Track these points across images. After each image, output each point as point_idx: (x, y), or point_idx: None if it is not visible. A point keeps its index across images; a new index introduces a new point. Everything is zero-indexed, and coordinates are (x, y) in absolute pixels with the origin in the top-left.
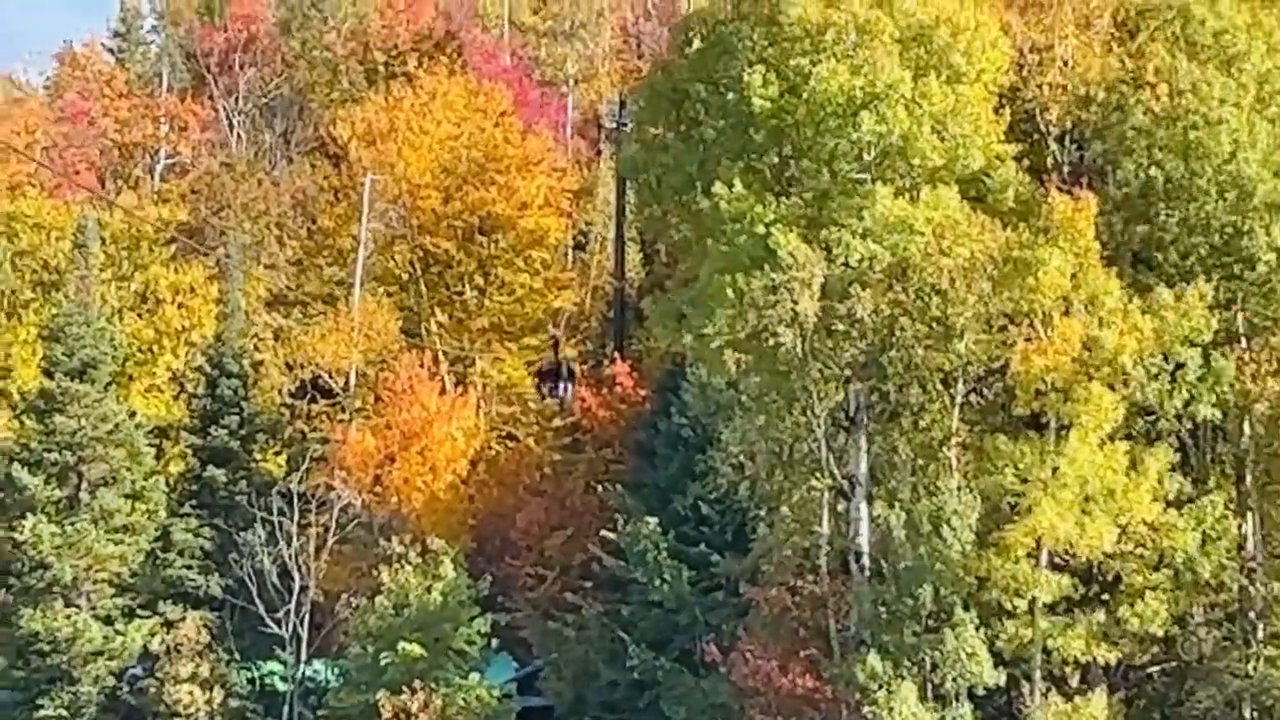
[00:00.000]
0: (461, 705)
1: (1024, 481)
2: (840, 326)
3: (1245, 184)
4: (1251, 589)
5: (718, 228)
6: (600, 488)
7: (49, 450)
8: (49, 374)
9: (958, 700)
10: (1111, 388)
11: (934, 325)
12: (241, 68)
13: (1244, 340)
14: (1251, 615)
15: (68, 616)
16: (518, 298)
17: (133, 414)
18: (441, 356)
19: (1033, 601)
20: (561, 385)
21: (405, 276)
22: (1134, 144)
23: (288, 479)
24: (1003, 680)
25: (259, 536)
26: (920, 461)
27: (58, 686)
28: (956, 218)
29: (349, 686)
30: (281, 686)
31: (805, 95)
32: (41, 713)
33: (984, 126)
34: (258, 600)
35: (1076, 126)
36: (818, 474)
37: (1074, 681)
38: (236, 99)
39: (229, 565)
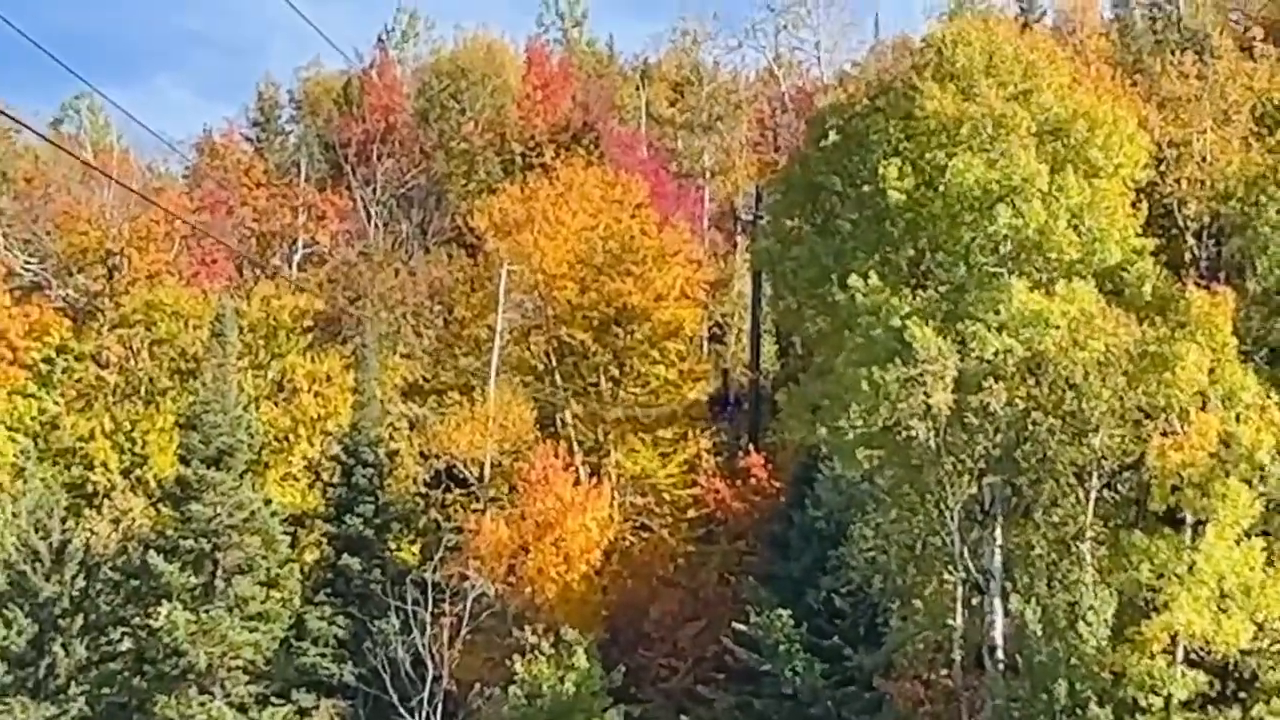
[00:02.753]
0: None
1: (1160, 577)
2: (974, 420)
3: None
4: None
5: (852, 320)
6: (734, 579)
7: (185, 538)
8: (185, 462)
9: None
10: (1249, 483)
11: (1068, 419)
12: (379, 158)
13: None
14: None
15: (202, 704)
16: (652, 389)
17: (268, 502)
18: (576, 447)
19: (1168, 698)
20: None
21: (540, 367)
22: (1272, 239)
23: (422, 568)
24: None
25: (393, 625)
26: (1054, 556)
27: None
28: (1092, 311)
29: None
30: None
31: (941, 188)
32: None
33: (1121, 220)
34: (391, 689)
35: (1214, 221)
36: (951, 568)
37: None
38: (374, 189)
39: (363, 654)
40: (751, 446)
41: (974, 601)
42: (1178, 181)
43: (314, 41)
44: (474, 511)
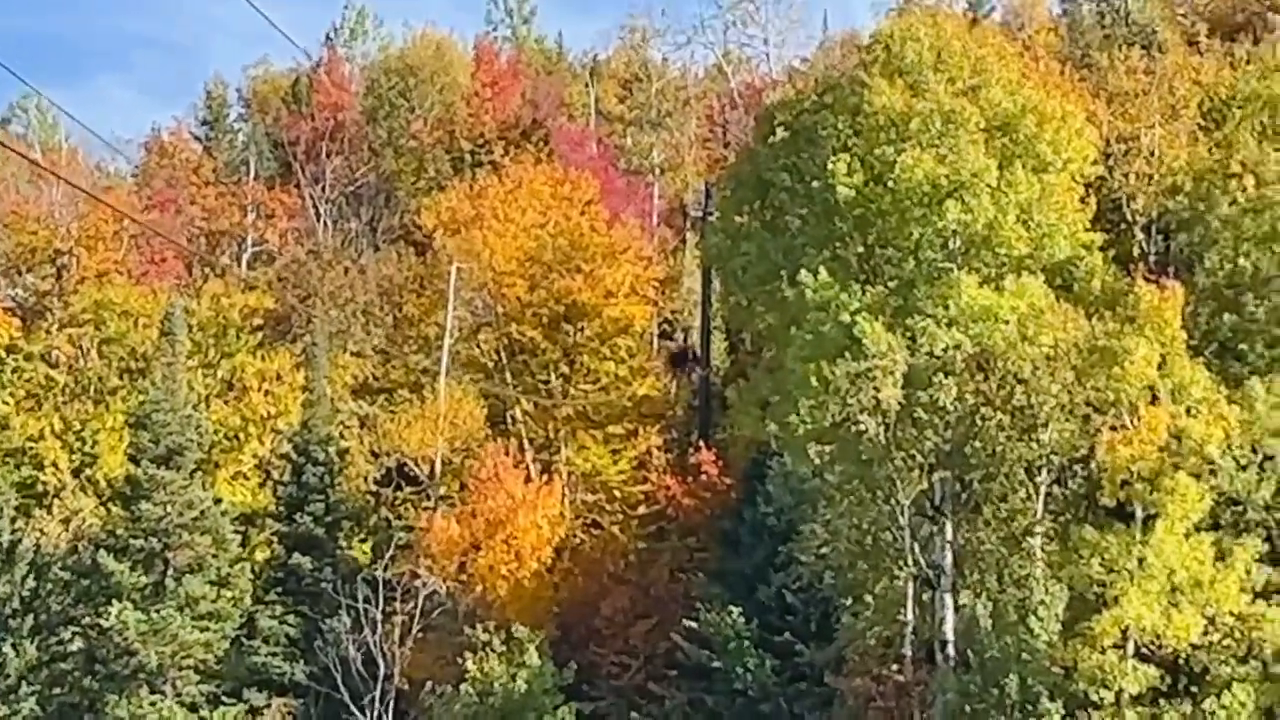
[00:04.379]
0: None
1: (1110, 572)
2: (923, 415)
3: None
4: None
5: (802, 316)
6: (685, 576)
7: (135, 537)
8: (135, 461)
9: None
10: (1198, 478)
11: (1018, 414)
12: (328, 156)
13: None
14: None
15: (154, 704)
16: (603, 385)
17: (218, 501)
18: (527, 444)
19: (1119, 693)
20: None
21: (491, 364)
22: (1221, 234)
23: (373, 566)
24: None
25: (344, 624)
26: (1005, 551)
27: None
28: (1041, 307)
29: None
30: None
31: (890, 184)
32: None
33: (1070, 215)
34: (342, 688)
35: (1163, 216)
36: (902, 563)
37: None
38: (323, 187)
39: (314, 653)
40: (702, 443)
41: (925, 597)
42: (1126, 176)
43: (259, 41)
44: (425, 509)
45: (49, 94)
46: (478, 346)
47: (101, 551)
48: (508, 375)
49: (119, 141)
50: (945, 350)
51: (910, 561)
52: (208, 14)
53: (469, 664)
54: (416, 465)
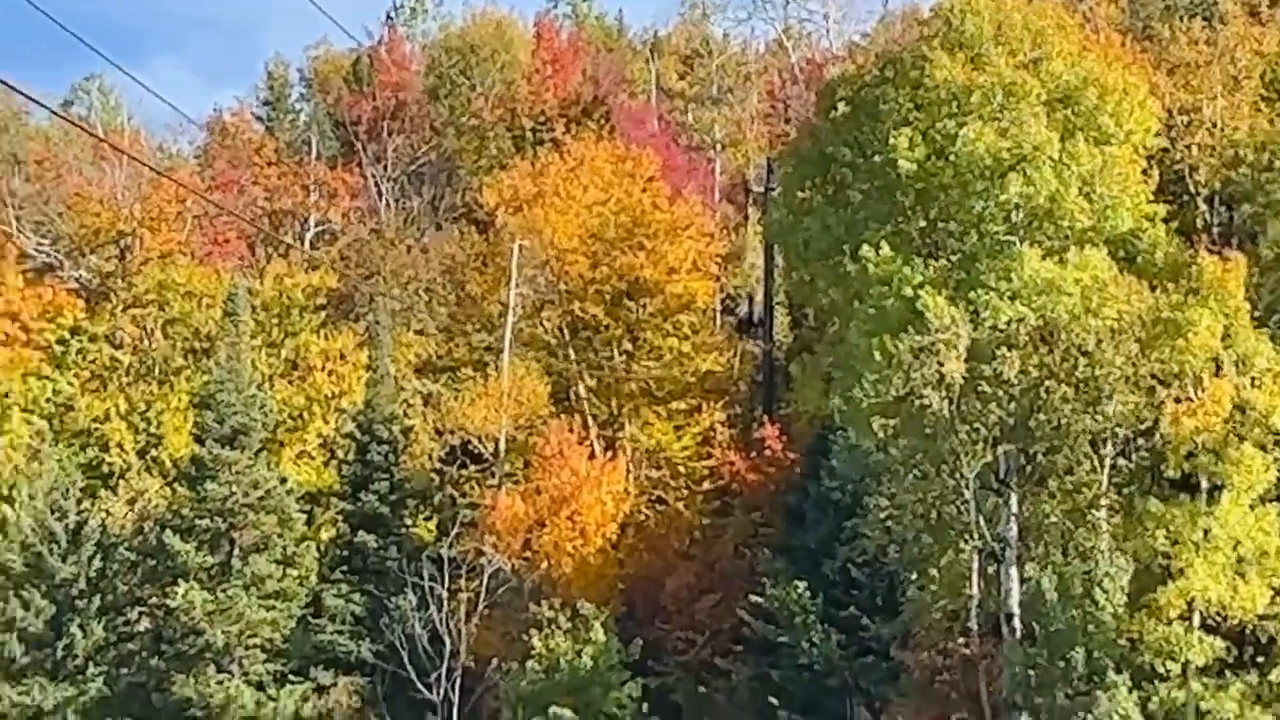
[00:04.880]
0: None
1: (1175, 544)
2: (987, 388)
3: None
4: None
5: (865, 290)
6: (750, 551)
7: (201, 517)
8: (200, 441)
9: None
10: (1263, 449)
11: (1082, 387)
12: (390, 135)
13: None
14: None
15: (220, 683)
16: (666, 362)
17: (283, 480)
18: (590, 421)
19: (1185, 664)
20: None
21: (554, 341)
22: None
23: (438, 544)
24: None
25: (410, 602)
26: (1070, 524)
27: None
28: (1104, 279)
29: None
30: None
31: (952, 157)
32: None
33: (1132, 187)
34: (408, 665)
35: (1226, 187)
36: (967, 536)
37: None
38: (385, 166)
39: (380, 631)
40: (766, 418)
41: (990, 570)
42: (1188, 148)
43: (315, 21)
44: (489, 487)
45: (127, 70)
46: (541, 324)
47: (167, 532)
48: (571, 352)
49: (180, 123)
50: (1008, 323)
51: (975, 535)
52: None
53: (535, 641)
54: (480, 443)
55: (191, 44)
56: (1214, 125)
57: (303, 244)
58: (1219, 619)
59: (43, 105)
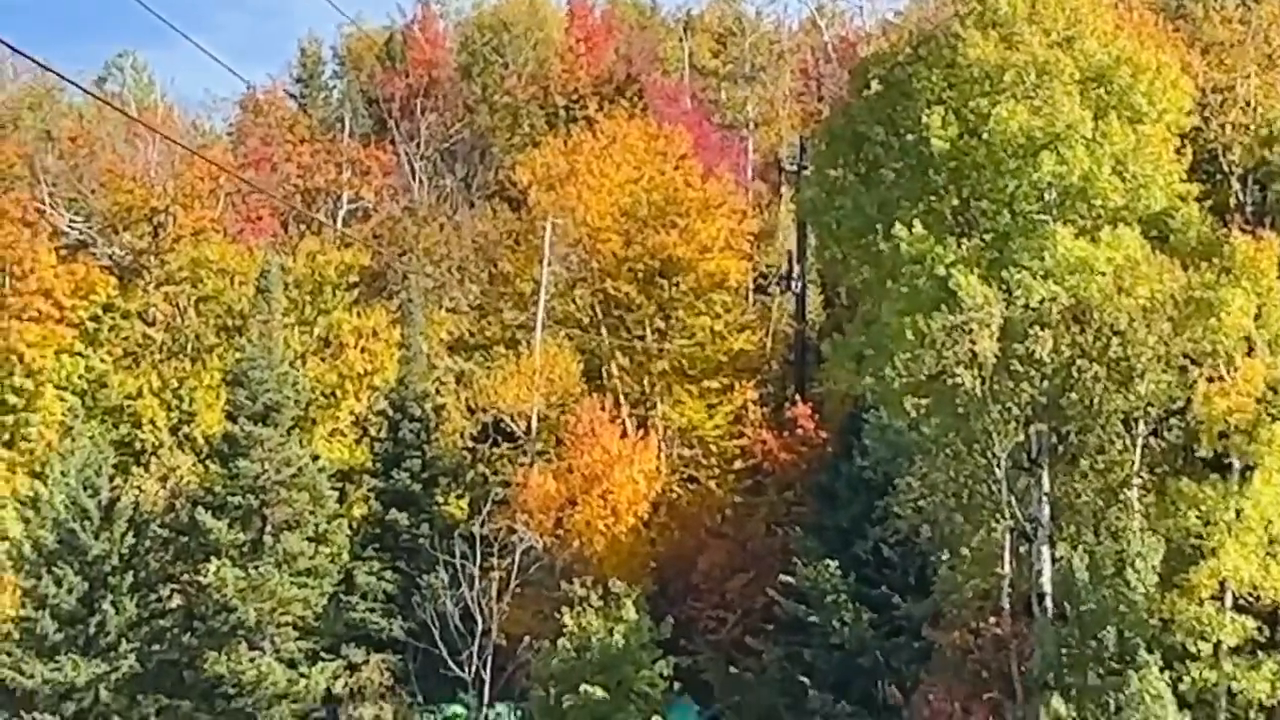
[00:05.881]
0: None
1: (1207, 524)
2: (1020, 368)
3: None
4: None
5: (897, 269)
6: (781, 530)
7: (233, 494)
8: (232, 418)
9: None
10: None
11: (1114, 366)
12: (423, 112)
13: None
14: None
15: (252, 660)
16: (698, 340)
17: (315, 458)
18: (622, 399)
19: (1217, 644)
20: (789, 282)
21: (586, 320)
22: None
23: (470, 522)
24: None
25: (441, 580)
26: (1101, 503)
27: None
28: (1137, 258)
29: None
30: None
31: (985, 136)
32: None
33: (1165, 166)
34: (440, 643)
35: (1259, 166)
36: (999, 516)
37: None
38: (418, 144)
39: (411, 608)
40: (798, 397)
41: (1022, 549)
42: (1222, 127)
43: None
44: (521, 465)
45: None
46: (573, 302)
47: (200, 509)
48: (603, 330)
49: (213, 100)
50: (1041, 302)
51: (1007, 514)
52: None
53: (566, 619)
54: (512, 421)
55: (220, 23)
56: (1247, 104)
57: (336, 222)
58: (1251, 599)
59: (74, 84)
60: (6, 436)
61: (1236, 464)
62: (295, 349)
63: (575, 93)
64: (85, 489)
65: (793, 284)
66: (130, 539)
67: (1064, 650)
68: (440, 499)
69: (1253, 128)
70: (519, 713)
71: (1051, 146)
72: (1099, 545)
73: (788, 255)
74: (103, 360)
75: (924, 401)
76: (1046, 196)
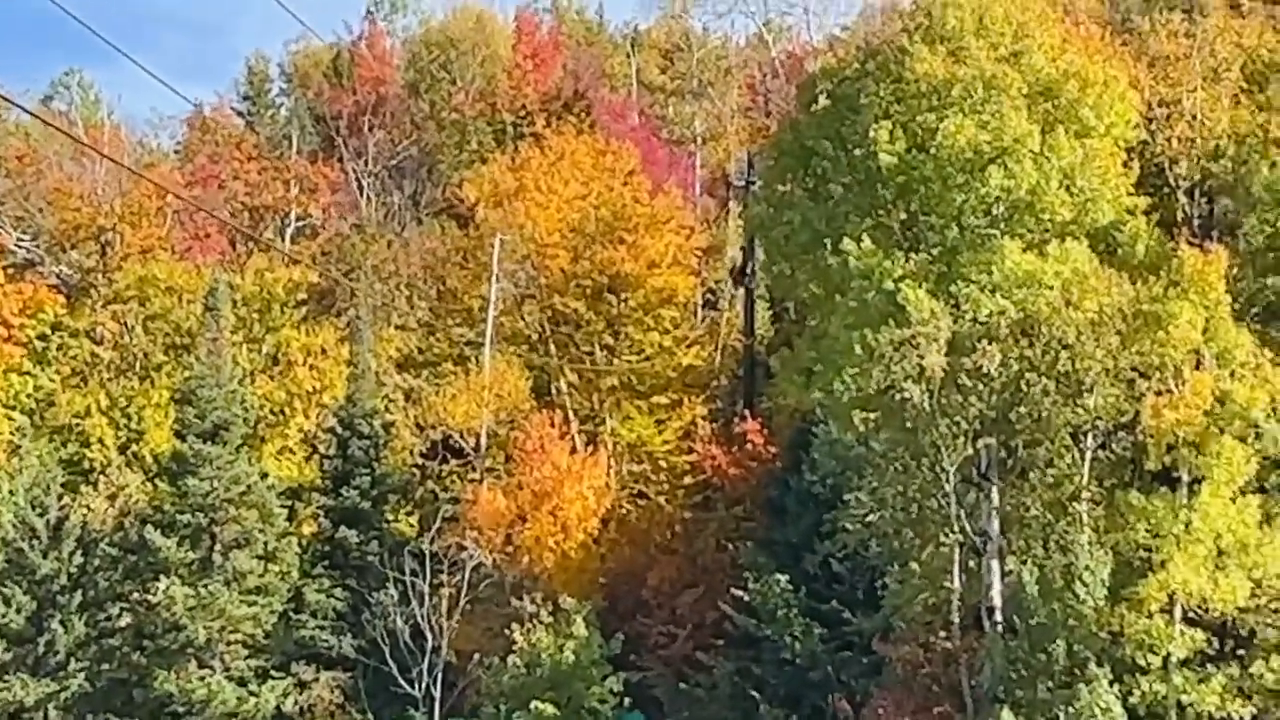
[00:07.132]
0: None
1: (1156, 536)
2: (968, 382)
3: None
4: None
5: (846, 284)
6: (731, 546)
7: (182, 512)
8: (181, 436)
9: None
10: (1243, 441)
11: (1063, 380)
12: (370, 130)
13: None
14: None
15: (201, 678)
16: (647, 356)
17: (265, 475)
18: (572, 415)
19: (1166, 657)
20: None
21: (535, 336)
22: (1262, 198)
23: (419, 539)
24: None
25: (391, 597)
26: (1051, 517)
27: None
28: (1085, 272)
29: None
30: None
31: (932, 150)
32: None
33: (1113, 180)
34: (390, 660)
35: (1206, 180)
36: (948, 530)
37: None
38: (365, 161)
39: (361, 626)
40: (747, 412)
41: (971, 563)
42: (1169, 140)
43: (287, 19)
44: (470, 482)
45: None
46: (522, 318)
47: (149, 527)
48: (552, 347)
49: (160, 118)
50: (989, 316)
51: (956, 528)
52: None
53: (516, 635)
54: (462, 438)
55: (162, 42)
56: (1194, 118)
57: (283, 239)
58: (1200, 611)
59: (19, 106)
60: None
61: (1185, 477)
62: (244, 367)
63: (523, 109)
64: (33, 508)
65: (746, 285)
66: (79, 558)
67: (1014, 664)
68: (390, 516)
69: (1199, 141)
70: None
71: (999, 160)
72: (1048, 559)
73: (733, 267)
74: (51, 379)
75: (873, 416)
76: (994, 210)
